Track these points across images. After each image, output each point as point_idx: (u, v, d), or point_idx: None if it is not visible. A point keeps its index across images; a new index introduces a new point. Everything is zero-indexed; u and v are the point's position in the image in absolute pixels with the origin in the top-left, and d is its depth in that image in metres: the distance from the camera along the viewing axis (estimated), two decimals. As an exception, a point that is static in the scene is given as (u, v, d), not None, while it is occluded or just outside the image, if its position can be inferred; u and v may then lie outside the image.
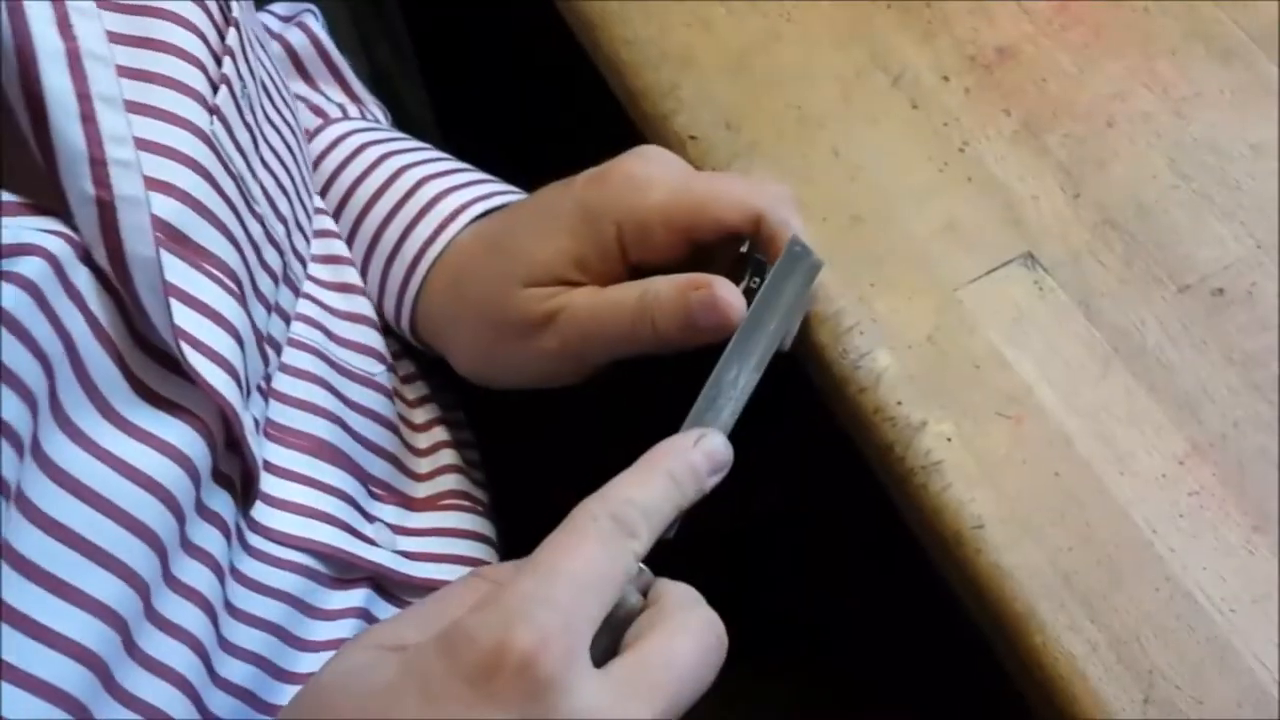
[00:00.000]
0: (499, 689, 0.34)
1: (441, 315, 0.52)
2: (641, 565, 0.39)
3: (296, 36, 0.61)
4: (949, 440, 0.46)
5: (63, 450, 0.36)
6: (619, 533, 0.37)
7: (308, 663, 0.46)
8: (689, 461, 0.41)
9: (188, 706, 0.40)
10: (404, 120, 0.65)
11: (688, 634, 0.37)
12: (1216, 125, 0.53)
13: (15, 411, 0.33)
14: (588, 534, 0.37)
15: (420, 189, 0.53)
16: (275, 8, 0.62)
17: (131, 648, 0.38)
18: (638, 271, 0.48)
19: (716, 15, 0.58)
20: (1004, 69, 0.55)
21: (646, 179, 0.47)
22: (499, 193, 0.53)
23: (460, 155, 0.58)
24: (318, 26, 0.62)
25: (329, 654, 0.46)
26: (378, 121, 0.62)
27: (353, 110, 0.61)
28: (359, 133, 0.57)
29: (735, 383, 0.44)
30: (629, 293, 0.46)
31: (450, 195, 0.53)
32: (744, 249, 0.47)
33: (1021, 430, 0.46)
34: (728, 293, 0.44)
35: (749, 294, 0.45)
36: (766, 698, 0.62)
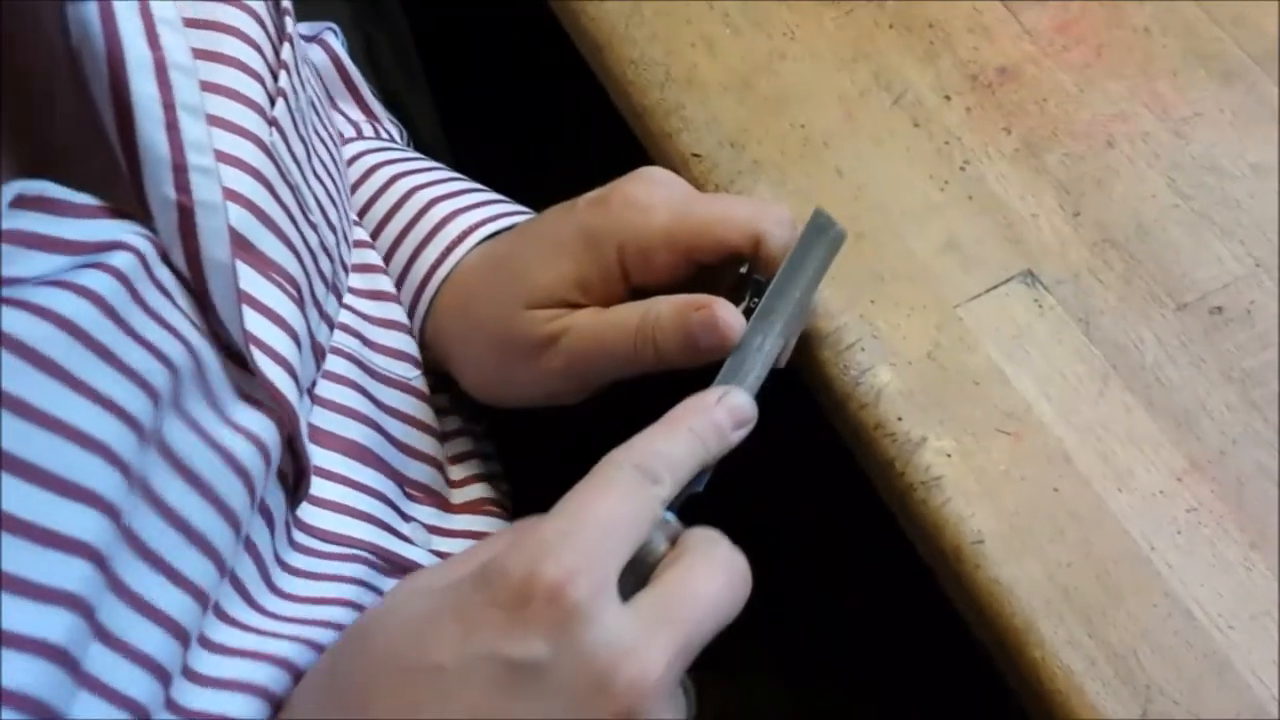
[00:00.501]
0: (531, 615, 0.35)
1: (450, 335, 0.53)
2: (670, 516, 0.40)
3: (317, 55, 0.62)
4: (949, 456, 0.47)
5: (176, 435, 0.38)
6: (643, 480, 0.39)
7: None
8: (713, 417, 0.42)
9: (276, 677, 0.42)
10: (411, 134, 0.66)
11: (709, 568, 0.38)
12: (1216, 145, 0.53)
13: (132, 398, 0.35)
14: (613, 481, 0.39)
15: (430, 210, 0.54)
16: (299, 27, 0.63)
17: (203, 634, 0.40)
18: (639, 293, 0.48)
19: (721, 36, 0.58)
20: (1005, 89, 0.55)
21: (648, 202, 0.47)
22: (507, 213, 0.54)
23: (467, 169, 0.58)
24: (338, 45, 0.63)
25: None
26: (392, 139, 0.63)
27: (368, 129, 0.62)
28: (372, 153, 0.58)
29: (761, 348, 0.45)
30: (631, 314, 0.47)
31: (459, 216, 0.53)
32: (744, 270, 0.48)
33: (1021, 446, 0.47)
34: (728, 313, 0.45)
35: (749, 314, 0.46)
36: (769, 702, 0.63)
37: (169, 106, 0.37)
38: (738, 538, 0.40)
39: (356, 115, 0.63)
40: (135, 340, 0.36)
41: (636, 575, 0.38)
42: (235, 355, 0.41)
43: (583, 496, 0.38)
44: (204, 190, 0.38)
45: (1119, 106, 0.55)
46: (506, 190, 0.59)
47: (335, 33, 0.64)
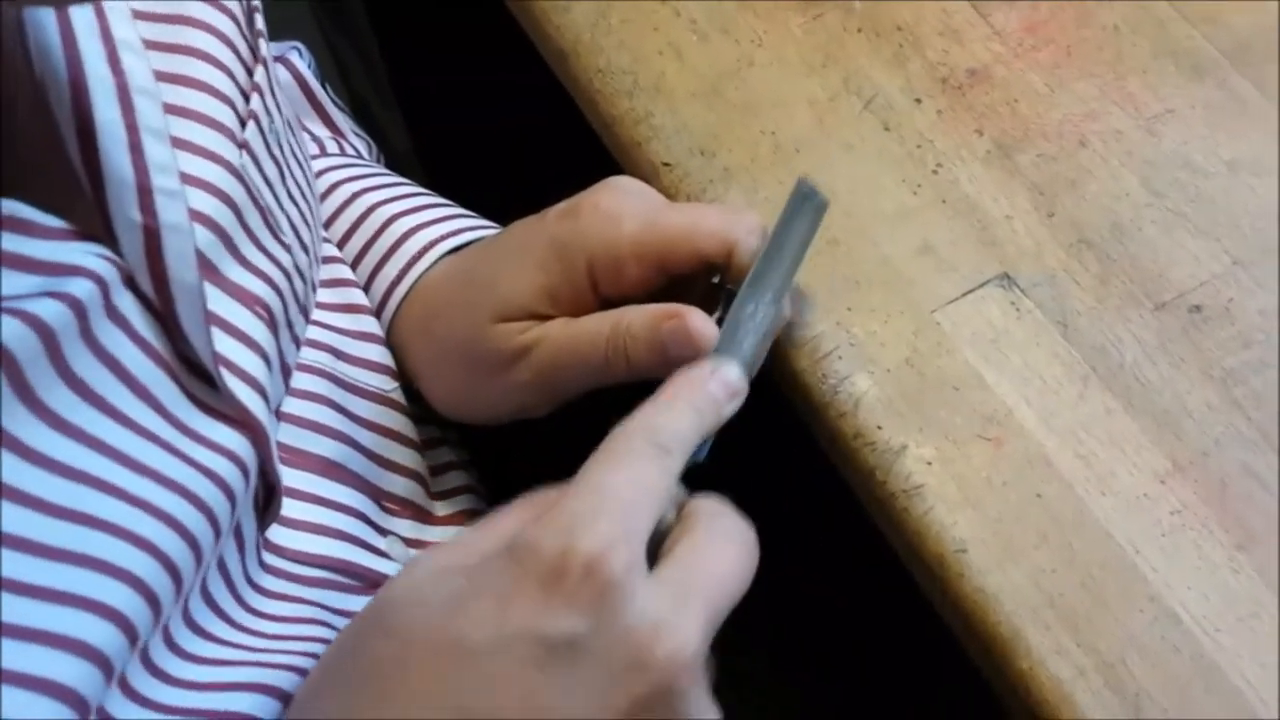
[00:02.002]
0: (567, 591, 0.35)
1: (415, 352, 0.52)
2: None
3: (281, 74, 0.61)
4: (929, 464, 0.46)
5: (124, 439, 0.37)
6: (656, 451, 0.39)
7: None
8: (707, 390, 0.42)
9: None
10: (384, 149, 0.66)
11: (724, 539, 0.39)
12: (1189, 142, 0.53)
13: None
14: (629, 453, 0.39)
15: (390, 226, 0.53)
16: None
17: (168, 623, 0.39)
18: (610, 304, 0.47)
19: (688, 43, 0.58)
20: (975, 90, 0.55)
21: (618, 212, 0.47)
22: (470, 228, 0.53)
23: (438, 181, 0.58)
24: (302, 64, 0.62)
25: None
26: (358, 155, 0.63)
27: (332, 146, 0.62)
28: (335, 170, 0.58)
29: (753, 316, 0.45)
30: (602, 324, 0.46)
31: (420, 232, 0.53)
32: (716, 280, 0.47)
33: (1002, 452, 0.46)
34: (701, 323, 0.44)
35: (721, 324, 0.45)
36: (760, 705, 0.62)
37: (132, 129, 0.37)
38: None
39: (321, 132, 0.62)
40: (66, 382, 0.35)
41: (651, 545, 0.38)
42: (205, 376, 0.40)
43: (602, 469, 0.38)
44: (169, 212, 0.38)
45: (1090, 106, 0.54)
46: (477, 202, 0.58)
47: (300, 52, 0.63)
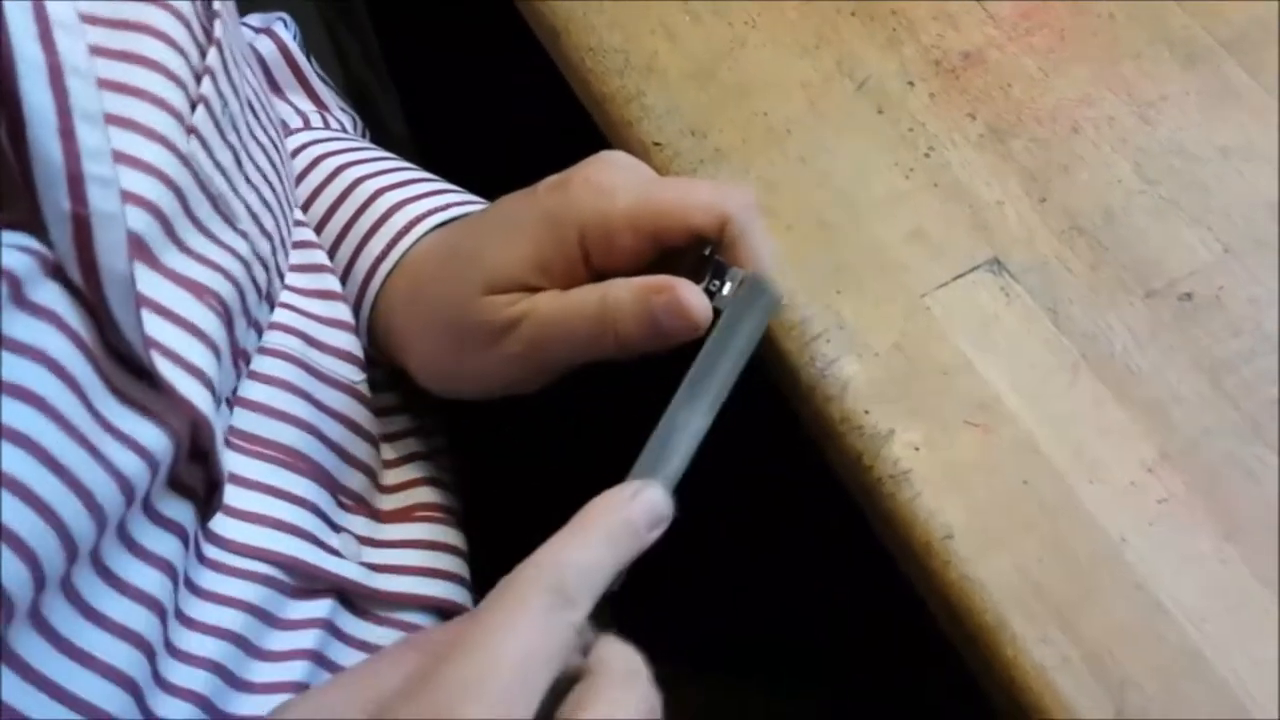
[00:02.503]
0: None
1: (401, 327, 0.52)
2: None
3: (265, 45, 0.60)
4: (917, 449, 0.46)
5: (48, 434, 0.36)
6: (557, 604, 0.36)
7: (267, 672, 0.46)
8: (627, 518, 0.39)
9: (130, 706, 0.39)
10: (378, 125, 0.65)
11: (625, 711, 0.36)
12: (1183, 129, 0.53)
13: None
14: (525, 609, 0.35)
15: (376, 200, 0.53)
16: (249, 18, 0.62)
17: (64, 638, 0.38)
18: (600, 276, 0.47)
19: (681, 23, 0.57)
20: (969, 74, 0.54)
21: (610, 185, 0.46)
22: (457, 203, 0.53)
23: (431, 158, 0.57)
24: (287, 35, 0.61)
25: (289, 664, 0.46)
26: (342, 128, 0.62)
27: (316, 119, 0.61)
28: (318, 143, 0.57)
29: (686, 426, 0.42)
30: (590, 295, 0.46)
31: (406, 206, 0.52)
32: (707, 252, 0.47)
33: (990, 438, 0.46)
34: (691, 295, 0.44)
35: (710, 295, 0.45)
36: (742, 707, 0.62)
37: (64, 113, 0.35)
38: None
39: (306, 105, 0.61)
40: None
41: (550, 695, 0.35)
42: (137, 369, 0.39)
43: (490, 630, 0.35)
44: (101, 200, 0.36)
45: (1084, 91, 0.54)
46: (468, 179, 0.58)
47: (285, 23, 0.62)
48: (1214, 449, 0.45)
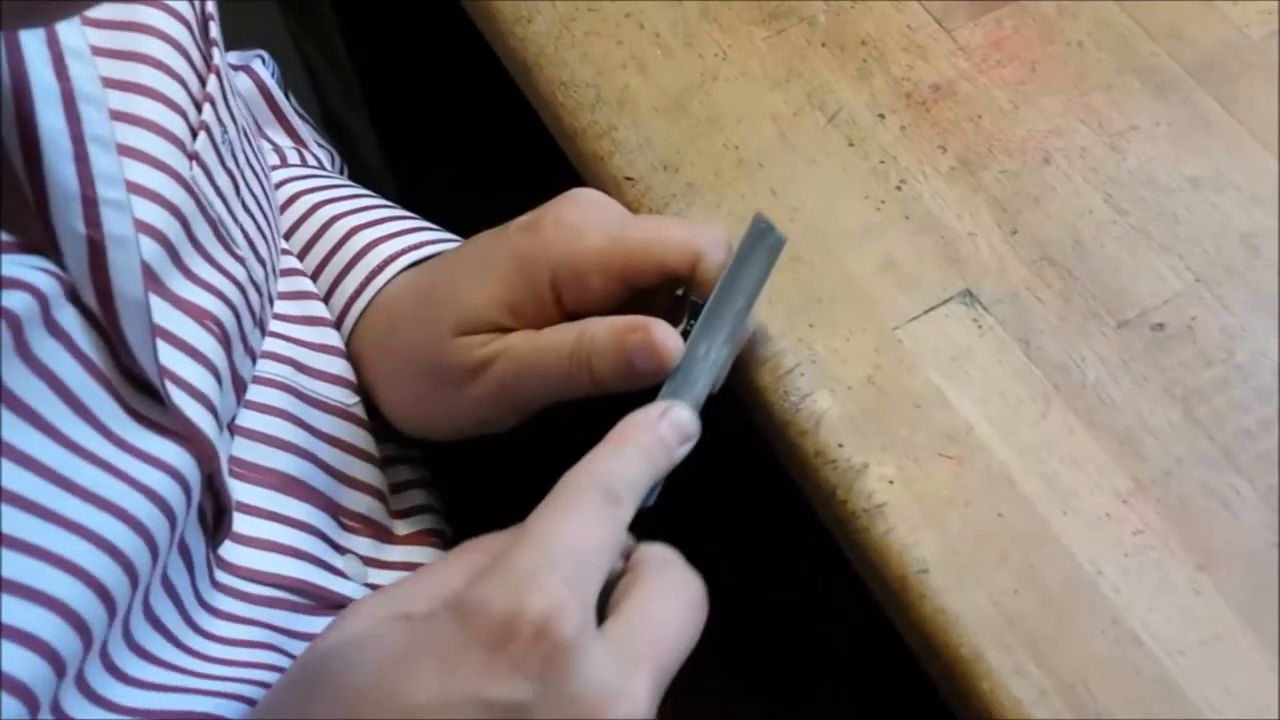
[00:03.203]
0: (516, 653, 0.34)
1: (374, 366, 0.52)
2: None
3: (244, 83, 0.61)
4: (891, 483, 0.46)
5: (58, 457, 0.36)
6: (607, 501, 0.38)
7: None
8: (658, 433, 0.41)
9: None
10: (353, 156, 0.65)
11: (674, 594, 0.38)
12: (1153, 159, 0.53)
13: None
14: (579, 504, 0.38)
15: (350, 239, 0.53)
16: (228, 56, 0.62)
17: (105, 648, 0.38)
18: (572, 316, 0.47)
19: (652, 57, 0.57)
20: (939, 106, 0.55)
21: (580, 225, 0.46)
22: (430, 241, 0.53)
23: (406, 189, 0.57)
24: (265, 72, 0.62)
25: None
26: (320, 165, 0.62)
27: (294, 156, 0.61)
28: (295, 180, 0.57)
29: (706, 356, 0.45)
30: (565, 336, 0.46)
31: (380, 245, 0.52)
32: (680, 292, 0.47)
33: (963, 471, 0.46)
34: (665, 335, 0.44)
35: (686, 336, 0.45)
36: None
37: (77, 139, 0.36)
38: (691, 558, 0.39)
39: (283, 141, 0.62)
40: None
41: (600, 595, 0.38)
42: (150, 391, 0.40)
43: (552, 521, 0.37)
44: (115, 224, 0.37)
45: (1054, 122, 0.54)
46: (442, 212, 0.58)
47: (264, 60, 0.63)
48: (1187, 479, 0.45)
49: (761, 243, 0.46)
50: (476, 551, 0.39)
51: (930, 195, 0.52)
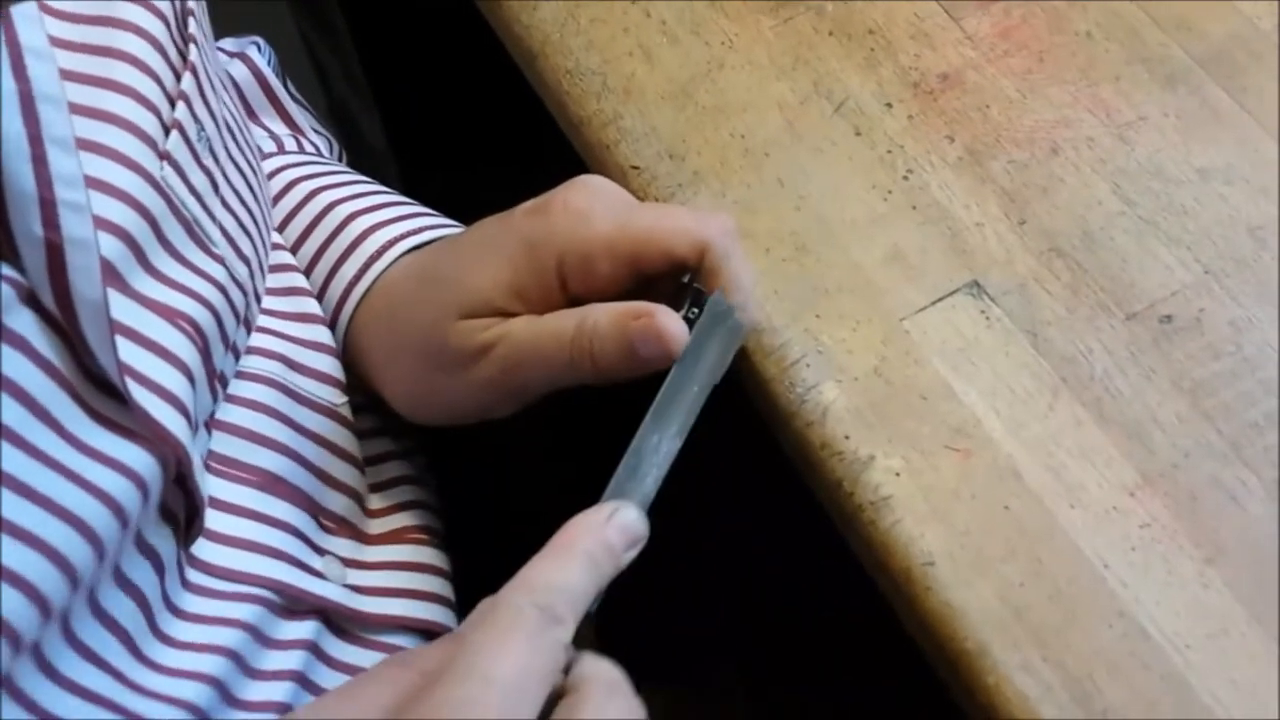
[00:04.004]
0: None
1: (374, 351, 0.51)
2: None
3: (239, 70, 0.60)
4: (897, 475, 0.46)
5: (20, 466, 0.36)
6: (546, 623, 0.36)
7: (258, 691, 0.46)
8: (604, 539, 0.39)
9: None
10: (360, 146, 0.65)
11: None
12: (1162, 150, 0.52)
13: None
14: (516, 629, 0.36)
15: (350, 224, 0.52)
16: (223, 43, 0.62)
17: (38, 647, 0.38)
18: (577, 302, 0.47)
19: (658, 45, 0.57)
20: (947, 96, 0.54)
21: (588, 211, 0.46)
22: (431, 226, 0.52)
23: (411, 175, 0.57)
24: (261, 60, 0.61)
25: (277, 684, 0.46)
26: (317, 152, 0.62)
27: (290, 143, 0.61)
28: (292, 167, 0.57)
29: (657, 449, 0.42)
30: (567, 321, 0.45)
31: (380, 230, 0.52)
32: (685, 279, 0.46)
33: (970, 463, 0.46)
34: (669, 321, 0.43)
35: (689, 323, 0.45)
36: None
37: (35, 140, 0.35)
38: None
39: (280, 129, 0.61)
40: None
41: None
42: (114, 392, 0.39)
43: (483, 652, 0.35)
44: (74, 226, 0.36)
45: (1062, 112, 0.54)
46: (446, 201, 0.57)
47: (259, 47, 0.62)
48: (1195, 472, 0.45)
49: (720, 325, 0.45)
50: (404, 669, 0.37)
51: (938, 185, 0.52)
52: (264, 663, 0.46)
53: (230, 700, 0.45)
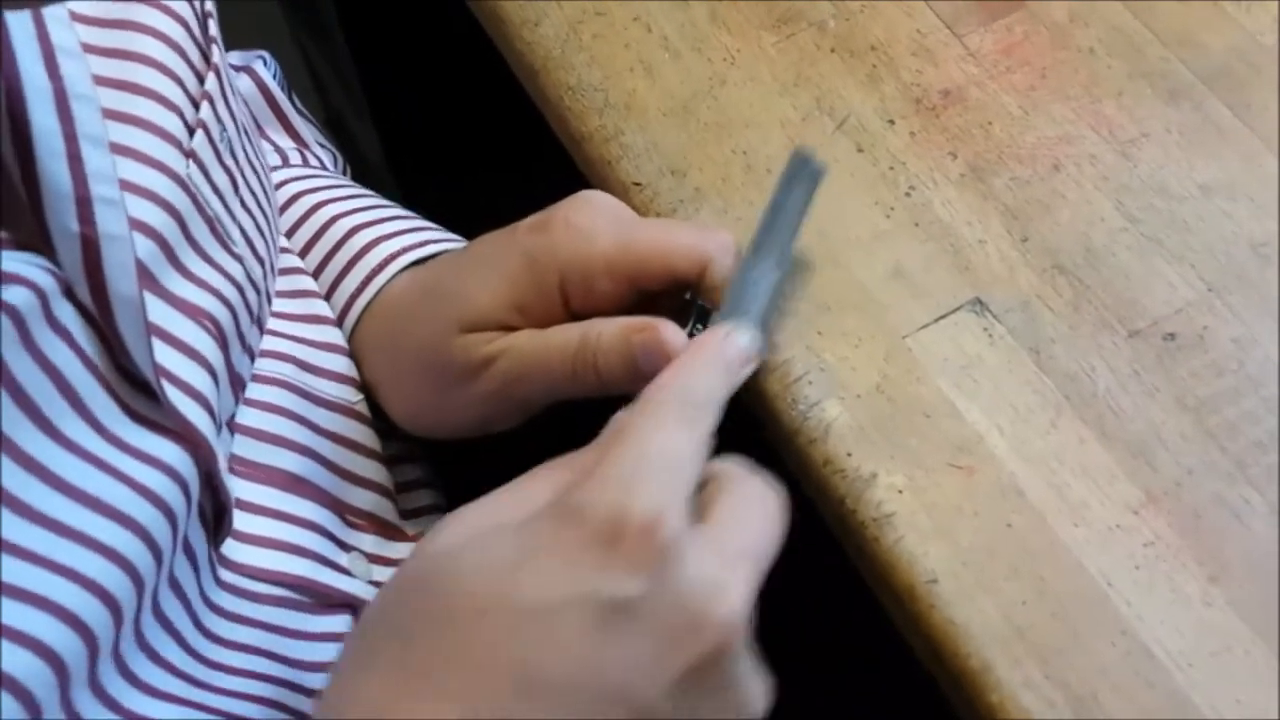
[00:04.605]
0: (627, 551, 0.35)
1: (377, 365, 0.51)
2: None
3: (245, 84, 0.61)
4: (900, 492, 0.45)
5: (56, 458, 0.36)
6: (692, 413, 0.39)
7: (314, 680, 0.47)
8: (723, 354, 0.42)
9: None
10: (357, 159, 0.65)
11: (759, 500, 0.39)
12: (1164, 167, 0.52)
13: None
14: (665, 417, 0.38)
15: (351, 238, 0.53)
16: (230, 56, 0.62)
17: (119, 651, 0.38)
18: (578, 317, 0.47)
19: (660, 61, 0.57)
20: (949, 112, 0.54)
21: (590, 227, 0.46)
22: (432, 240, 0.53)
23: (409, 190, 0.57)
24: (266, 74, 0.62)
25: (317, 675, 0.47)
26: (321, 166, 0.62)
27: (295, 157, 0.61)
28: (296, 180, 0.57)
29: (757, 282, 0.45)
30: (570, 335, 0.46)
31: (381, 244, 0.52)
32: (688, 296, 0.46)
33: (973, 481, 0.45)
34: (672, 335, 0.44)
35: (690, 338, 0.45)
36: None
37: (70, 138, 0.36)
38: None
39: (285, 143, 0.61)
40: (8, 391, 0.35)
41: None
42: (146, 389, 0.40)
43: (643, 430, 0.38)
44: (108, 222, 0.37)
45: (1065, 129, 0.54)
46: (446, 215, 0.57)
47: (265, 61, 0.62)
48: (1199, 490, 0.45)
49: (802, 173, 0.47)
50: (566, 466, 0.39)
51: (940, 202, 0.52)
52: (303, 654, 0.47)
53: (295, 688, 0.46)
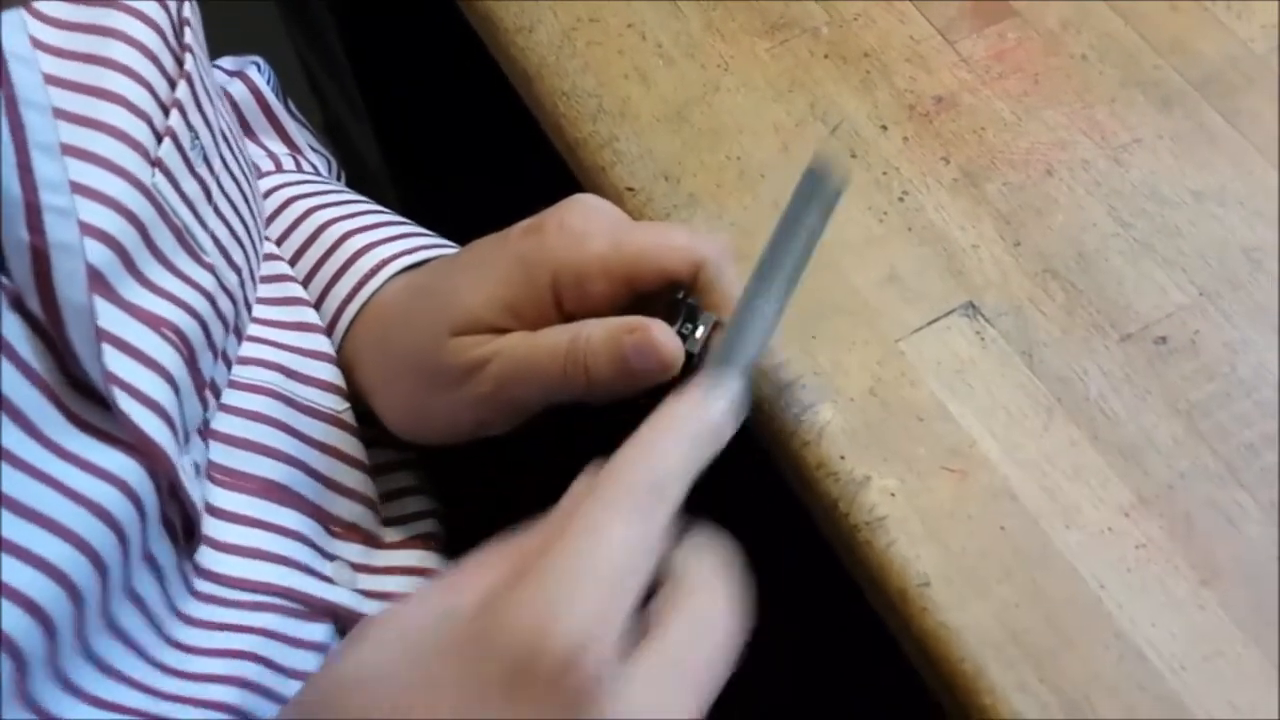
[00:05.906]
0: (538, 693, 0.32)
1: (368, 370, 0.51)
2: None
3: (238, 89, 0.60)
4: (893, 495, 0.46)
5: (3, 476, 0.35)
6: (653, 500, 0.35)
7: (290, 689, 0.46)
8: (706, 416, 0.38)
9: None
10: (354, 161, 0.65)
11: (715, 620, 0.36)
12: (1156, 172, 0.53)
13: None
14: (621, 505, 0.35)
15: (344, 243, 0.53)
16: (223, 62, 0.62)
17: (58, 665, 0.37)
18: (571, 319, 0.47)
19: (654, 67, 0.57)
20: (942, 118, 0.54)
21: (584, 230, 0.46)
22: (426, 246, 0.53)
23: (407, 194, 0.57)
24: (260, 79, 0.61)
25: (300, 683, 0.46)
26: (315, 172, 0.62)
27: (288, 162, 0.61)
28: (288, 186, 0.57)
29: (762, 312, 0.43)
30: (560, 336, 0.45)
31: (374, 249, 0.52)
32: (680, 295, 0.46)
33: (966, 484, 0.46)
34: (663, 335, 0.43)
35: (683, 338, 0.45)
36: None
37: (20, 146, 0.36)
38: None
39: (278, 148, 0.61)
40: None
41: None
42: (100, 400, 0.39)
43: (590, 524, 0.34)
44: (59, 230, 0.36)
45: (1058, 135, 0.54)
46: (442, 221, 0.58)
47: (259, 66, 0.62)
48: (1190, 493, 0.45)
49: (819, 191, 0.44)
50: (507, 551, 0.36)
51: (933, 207, 0.52)
52: (291, 661, 0.47)
53: (269, 695, 0.45)
